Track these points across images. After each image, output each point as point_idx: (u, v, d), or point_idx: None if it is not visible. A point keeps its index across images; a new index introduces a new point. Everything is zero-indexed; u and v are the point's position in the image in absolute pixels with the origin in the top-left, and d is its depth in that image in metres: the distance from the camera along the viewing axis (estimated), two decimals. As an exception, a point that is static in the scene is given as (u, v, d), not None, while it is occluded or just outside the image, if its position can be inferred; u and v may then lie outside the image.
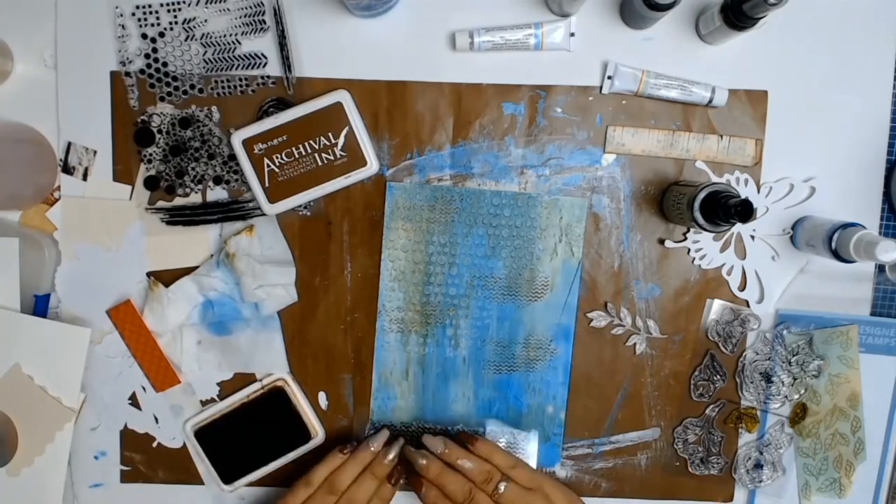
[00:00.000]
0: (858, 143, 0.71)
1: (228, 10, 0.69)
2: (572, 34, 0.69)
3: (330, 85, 0.69)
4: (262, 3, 0.69)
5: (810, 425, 0.72)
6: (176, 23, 0.69)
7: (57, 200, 0.70)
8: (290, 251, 0.71)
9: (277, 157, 0.67)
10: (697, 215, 0.63)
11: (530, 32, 0.68)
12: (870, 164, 0.71)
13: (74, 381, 0.70)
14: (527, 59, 0.70)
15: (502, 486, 0.64)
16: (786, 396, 0.72)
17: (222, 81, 0.70)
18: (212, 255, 0.71)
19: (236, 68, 0.69)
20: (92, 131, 0.70)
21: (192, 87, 0.70)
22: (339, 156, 0.68)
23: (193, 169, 0.70)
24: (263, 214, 0.69)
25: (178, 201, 0.70)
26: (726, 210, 0.60)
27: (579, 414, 0.73)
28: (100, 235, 0.71)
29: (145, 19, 0.69)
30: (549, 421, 0.73)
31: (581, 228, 0.71)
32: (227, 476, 0.72)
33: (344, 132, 0.68)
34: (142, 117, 0.70)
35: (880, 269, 0.72)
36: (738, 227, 0.71)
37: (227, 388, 0.73)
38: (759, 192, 0.71)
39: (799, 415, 0.72)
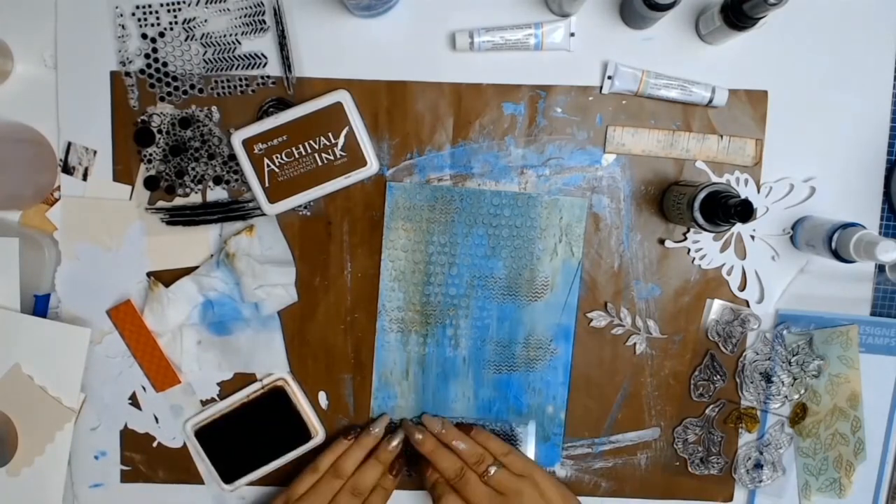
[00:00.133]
0: (858, 143, 0.71)
1: (228, 10, 0.69)
2: (572, 34, 0.69)
3: (330, 85, 0.69)
4: (262, 3, 0.69)
5: (810, 425, 0.72)
6: (176, 23, 0.69)
7: (57, 200, 0.70)
8: (290, 251, 0.71)
9: (277, 157, 0.67)
10: (697, 215, 0.63)
11: (530, 32, 0.68)
12: (870, 164, 0.71)
13: (74, 381, 0.70)
14: (527, 59, 0.70)
15: (493, 469, 0.66)
16: (786, 396, 0.72)
17: (222, 81, 0.70)
18: (212, 255, 0.71)
19: (236, 68, 0.69)
20: (92, 131, 0.70)
21: (192, 87, 0.70)
22: (339, 156, 0.68)
23: (193, 169, 0.70)
24: (263, 214, 0.69)
25: (178, 201, 0.70)
26: (726, 210, 0.60)
27: (579, 414, 0.73)
28: (100, 235, 0.71)
29: (145, 19, 0.69)
30: (549, 421, 0.73)
31: (581, 228, 0.71)
32: (228, 476, 0.73)
33: (344, 132, 0.68)
34: (142, 117, 0.70)
35: (880, 269, 0.72)
36: (738, 227, 0.71)
37: (227, 388, 0.73)
38: (759, 192, 0.71)
39: (799, 415, 0.72)
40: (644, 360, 0.73)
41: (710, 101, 0.68)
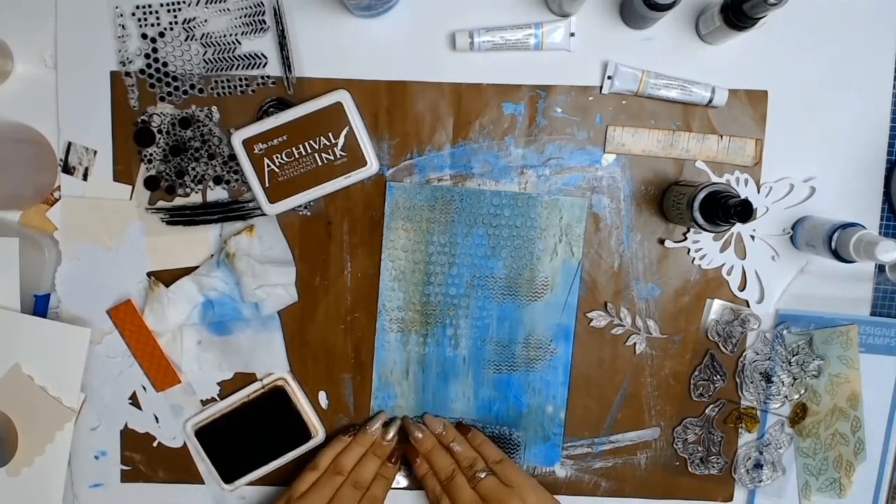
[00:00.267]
0: (858, 143, 0.71)
1: (228, 10, 0.69)
2: (572, 34, 0.69)
3: (330, 85, 0.69)
4: (262, 3, 0.69)
5: (810, 425, 0.72)
6: (176, 23, 0.69)
7: (57, 200, 0.70)
8: (290, 251, 0.71)
9: (277, 157, 0.67)
10: (697, 215, 0.63)
11: (530, 32, 0.68)
12: (870, 164, 0.71)
13: (74, 381, 0.70)
14: (527, 59, 0.70)
15: (482, 475, 0.67)
16: (786, 396, 0.72)
17: (222, 81, 0.70)
18: (212, 255, 0.71)
19: (236, 68, 0.69)
20: (92, 131, 0.70)
21: (192, 87, 0.70)
22: (339, 156, 0.68)
23: (193, 169, 0.70)
24: (263, 214, 0.69)
25: (179, 201, 0.70)
26: (726, 210, 0.60)
27: (579, 414, 0.73)
28: (100, 235, 0.71)
29: (145, 19, 0.69)
30: (549, 421, 0.73)
31: (581, 228, 0.71)
32: (228, 475, 0.73)
33: (344, 132, 0.68)
34: (142, 117, 0.70)
35: (880, 269, 0.72)
36: (738, 227, 0.71)
37: (227, 388, 0.73)
38: (759, 192, 0.71)
39: (799, 415, 0.72)
40: (644, 360, 0.73)
41: (710, 101, 0.68)
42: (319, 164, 0.68)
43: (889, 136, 0.71)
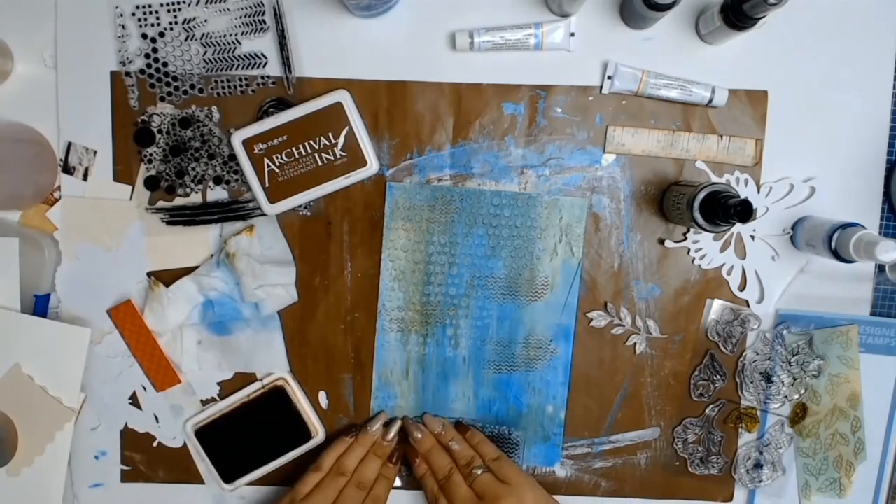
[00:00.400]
0: (858, 143, 0.71)
1: (228, 10, 0.69)
2: (572, 34, 0.69)
3: (330, 85, 0.69)
4: (262, 3, 0.69)
5: (810, 425, 0.72)
6: (176, 23, 0.69)
7: (57, 200, 0.70)
8: (290, 251, 0.71)
9: (277, 157, 0.67)
10: (697, 215, 0.63)
11: (530, 32, 0.68)
12: (870, 164, 0.71)
13: (74, 381, 0.70)
14: (527, 59, 0.70)
15: (479, 472, 0.67)
16: (786, 396, 0.72)
17: (222, 81, 0.70)
18: (212, 255, 0.71)
19: (236, 68, 0.69)
20: (92, 131, 0.70)
21: (192, 87, 0.70)
22: (339, 156, 0.68)
23: (193, 169, 0.70)
24: (263, 214, 0.69)
25: (179, 201, 0.70)
26: (726, 210, 0.60)
27: (579, 414, 0.73)
28: (100, 235, 0.71)
29: (145, 19, 0.69)
30: (549, 421, 0.73)
31: (581, 228, 0.71)
32: (228, 475, 0.73)
33: (344, 132, 0.68)
34: (142, 117, 0.70)
35: (880, 269, 0.72)
36: (738, 227, 0.71)
37: (227, 388, 0.73)
38: (759, 192, 0.71)
39: (799, 415, 0.72)
40: (644, 360, 0.73)
41: (710, 101, 0.68)
42: (319, 164, 0.68)
43: (889, 136, 0.71)
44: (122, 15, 0.69)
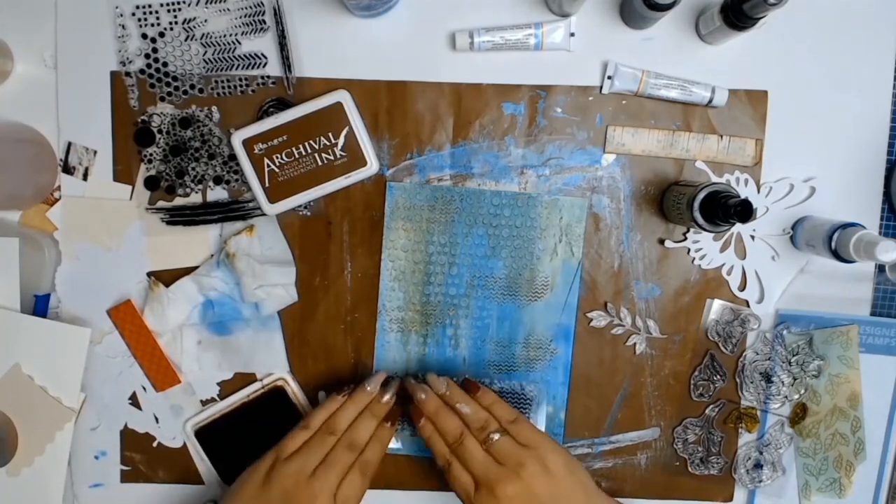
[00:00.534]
0: (858, 143, 0.71)
1: (228, 10, 0.69)
2: (572, 34, 0.69)
3: (330, 85, 0.69)
4: (262, 3, 0.69)
5: (810, 425, 0.72)
6: (176, 23, 0.69)
7: (57, 200, 0.70)
8: (290, 251, 0.71)
9: (277, 157, 0.67)
10: (697, 215, 0.63)
11: (530, 32, 0.68)
12: (870, 164, 0.71)
13: (74, 381, 0.70)
14: (527, 59, 0.70)
15: (496, 436, 0.62)
16: (786, 396, 0.72)
17: (222, 81, 0.70)
18: (212, 255, 0.71)
19: (236, 68, 0.69)
20: (92, 131, 0.70)
21: (192, 87, 0.70)
22: (339, 156, 0.68)
23: (193, 169, 0.70)
24: (263, 214, 0.69)
25: (179, 201, 0.70)
26: (726, 210, 0.60)
27: (579, 414, 0.73)
28: (100, 235, 0.71)
29: (145, 19, 0.69)
30: (549, 421, 0.73)
31: (581, 228, 0.71)
32: (228, 476, 0.73)
33: (344, 132, 0.68)
34: (142, 117, 0.70)
35: (880, 269, 0.72)
36: (738, 227, 0.71)
37: (227, 388, 0.73)
38: (759, 192, 0.71)
39: (799, 415, 0.72)
40: (644, 360, 0.73)
41: (710, 101, 0.68)
42: (319, 164, 0.68)
43: (889, 136, 0.71)
44: (122, 15, 0.69)
